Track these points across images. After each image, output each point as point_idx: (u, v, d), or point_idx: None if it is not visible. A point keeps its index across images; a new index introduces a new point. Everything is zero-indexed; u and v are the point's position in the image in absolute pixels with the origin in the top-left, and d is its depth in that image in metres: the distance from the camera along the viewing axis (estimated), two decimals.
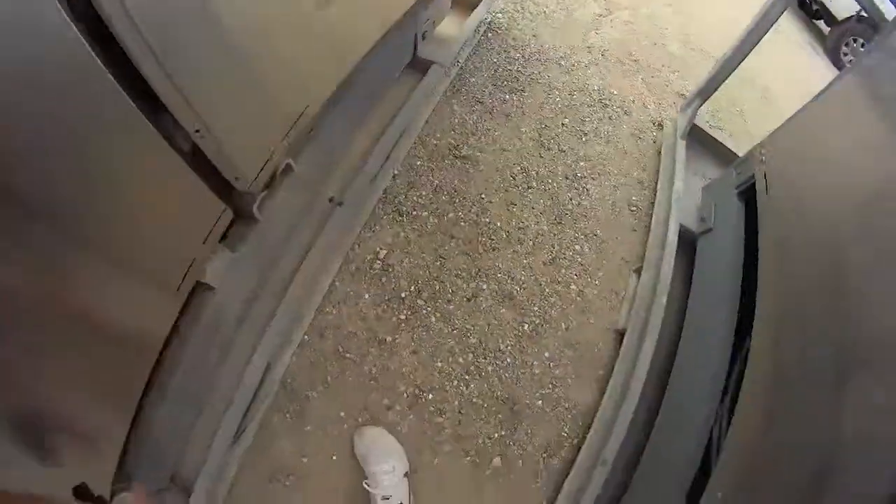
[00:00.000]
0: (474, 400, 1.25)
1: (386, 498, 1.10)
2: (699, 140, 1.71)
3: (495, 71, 1.52)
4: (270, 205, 1.12)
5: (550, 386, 1.30)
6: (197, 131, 0.77)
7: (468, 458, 1.26)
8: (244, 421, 1.21)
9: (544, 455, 1.30)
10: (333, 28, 1.06)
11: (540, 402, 1.30)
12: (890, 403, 0.66)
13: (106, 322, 0.74)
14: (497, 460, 1.27)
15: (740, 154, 1.53)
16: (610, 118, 1.58)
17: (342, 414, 1.22)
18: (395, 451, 1.19)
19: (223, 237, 1.05)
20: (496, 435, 1.27)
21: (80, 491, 0.70)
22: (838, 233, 0.95)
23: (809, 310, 0.96)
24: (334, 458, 1.22)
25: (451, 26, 1.53)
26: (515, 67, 1.55)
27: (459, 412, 1.24)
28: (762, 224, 1.21)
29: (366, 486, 1.12)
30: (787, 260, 1.08)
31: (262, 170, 1.01)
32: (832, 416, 0.76)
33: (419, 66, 1.44)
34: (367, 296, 1.24)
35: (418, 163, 1.35)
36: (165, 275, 0.85)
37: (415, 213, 1.30)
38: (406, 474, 1.17)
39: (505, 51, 1.59)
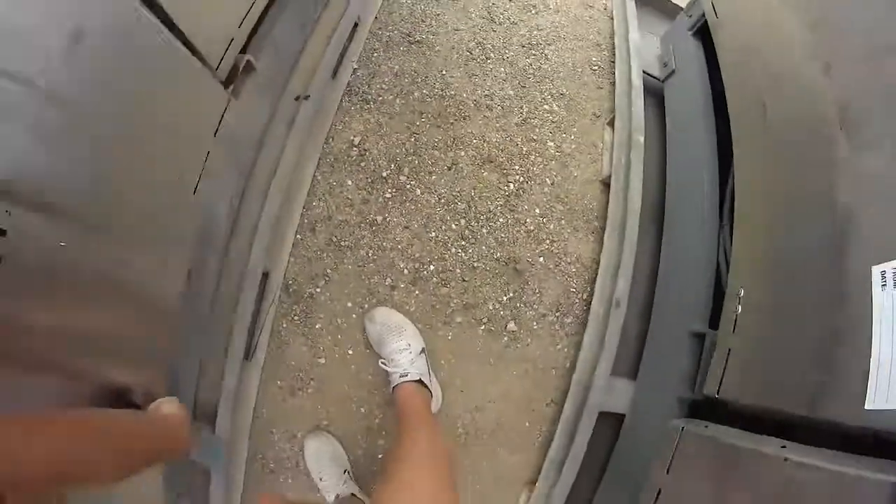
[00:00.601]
0: (475, 265, 1.25)
1: (404, 375, 1.08)
2: (647, 1, 1.73)
3: None
4: (237, 105, 1.13)
5: (548, 242, 1.31)
6: None
7: (482, 327, 1.27)
8: (253, 336, 1.20)
9: (558, 314, 1.32)
10: None
11: (541, 259, 1.31)
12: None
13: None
14: (512, 325, 1.28)
15: None
16: None
17: (349, 304, 1.23)
18: (407, 328, 1.18)
19: None
20: (505, 298, 1.28)
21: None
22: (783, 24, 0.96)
23: (771, 92, 0.98)
24: (350, 352, 1.22)
25: None
26: None
27: (463, 280, 1.25)
28: (718, 45, 1.23)
29: (382, 365, 1.11)
30: (746, 68, 1.10)
31: (223, 58, 1.01)
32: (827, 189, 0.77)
33: None
34: (350, 182, 1.24)
35: (375, 54, 1.35)
36: (183, 180, 0.87)
37: (381, 98, 1.30)
38: (423, 351, 1.16)
39: None
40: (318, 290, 1.22)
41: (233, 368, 1.13)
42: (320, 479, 1.17)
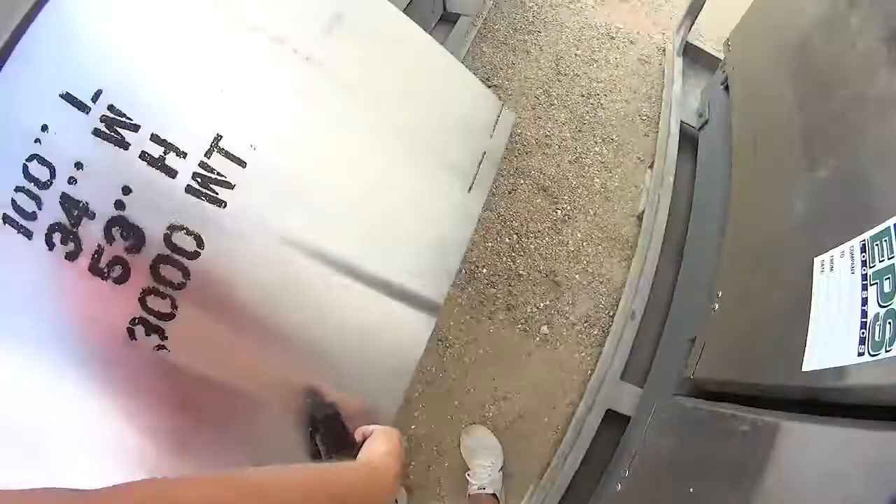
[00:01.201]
0: (521, 272, 1.51)
1: (482, 488, 1.32)
2: (694, 56, 1.93)
3: (514, 18, 1.81)
4: None
5: (585, 262, 1.55)
6: None
7: (519, 326, 1.52)
8: None
9: (585, 325, 1.55)
10: None
11: (577, 276, 1.55)
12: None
13: None
14: (545, 328, 1.53)
15: None
16: (617, 47, 1.84)
17: None
18: (496, 449, 1.41)
19: None
20: (542, 305, 1.53)
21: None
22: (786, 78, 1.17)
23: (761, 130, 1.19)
24: None
25: None
26: (531, 13, 1.83)
27: (509, 284, 1.51)
28: (731, 94, 1.43)
29: (468, 477, 1.35)
30: (748, 112, 1.30)
31: None
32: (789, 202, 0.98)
33: (449, 19, 1.74)
34: None
35: None
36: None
37: None
38: (501, 469, 1.39)
39: (521, 1, 1.89)
40: None
41: None
42: None
